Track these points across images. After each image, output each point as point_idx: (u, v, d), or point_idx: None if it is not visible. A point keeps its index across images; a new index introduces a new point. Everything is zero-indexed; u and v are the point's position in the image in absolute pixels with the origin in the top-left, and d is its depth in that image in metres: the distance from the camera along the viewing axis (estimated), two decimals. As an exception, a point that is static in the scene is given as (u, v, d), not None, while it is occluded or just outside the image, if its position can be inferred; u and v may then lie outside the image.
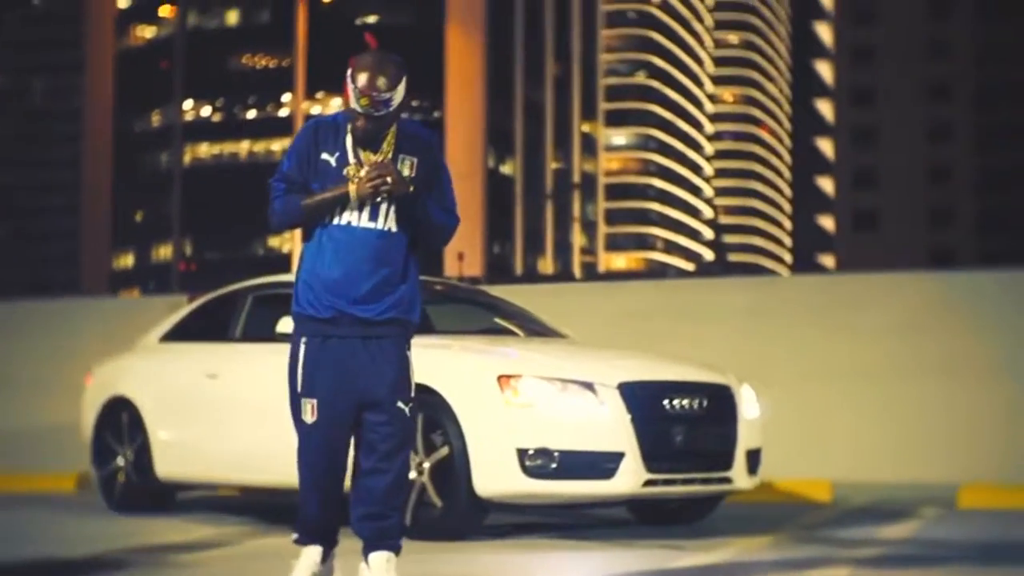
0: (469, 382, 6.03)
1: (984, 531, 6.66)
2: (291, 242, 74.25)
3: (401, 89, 4.04)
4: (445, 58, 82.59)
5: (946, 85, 75.82)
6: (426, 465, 6.13)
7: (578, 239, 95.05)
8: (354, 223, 4.11)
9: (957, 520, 7.20)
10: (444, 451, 6.04)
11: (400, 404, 4.16)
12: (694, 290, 9.80)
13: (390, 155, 4.12)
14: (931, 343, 8.52)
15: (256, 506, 8.05)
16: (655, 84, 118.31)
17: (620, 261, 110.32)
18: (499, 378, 5.96)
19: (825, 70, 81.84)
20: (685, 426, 6.10)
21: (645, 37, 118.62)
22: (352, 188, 4.06)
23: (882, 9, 76.70)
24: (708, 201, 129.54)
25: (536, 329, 7.41)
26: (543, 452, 5.85)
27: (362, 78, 3.99)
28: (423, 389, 6.05)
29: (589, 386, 5.95)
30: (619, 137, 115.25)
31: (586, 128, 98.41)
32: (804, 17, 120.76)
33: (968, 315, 8.51)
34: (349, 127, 4.12)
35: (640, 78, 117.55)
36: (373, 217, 4.11)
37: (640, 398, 5.97)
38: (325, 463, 4.18)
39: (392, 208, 4.14)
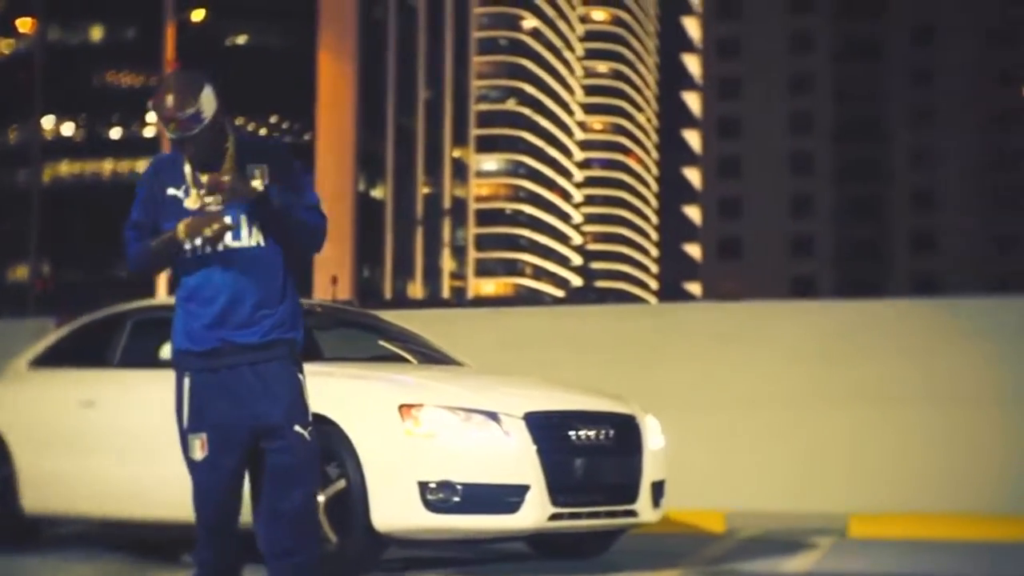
0: (368, 412, 5.77)
1: (884, 562, 6.62)
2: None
3: (206, 100, 3.83)
4: (316, 81, 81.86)
5: (808, 118, 77.73)
6: (320, 499, 5.84)
7: (448, 264, 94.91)
8: (220, 246, 3.94)
9: (853, 550, 7.16)
10: (340, 484, 5.76)
11: (298, 428, 3.94)
12: (580, 317, 9.66)
13: (231, 171, 3.93)
14: (824, 372, 8.51)
15: (134, 542, 7.64)
16: (526, 111, 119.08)
17: (489, 287, 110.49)
18: (400, 407, 5.71)
19: (693, 101, 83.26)
20: (591, 457, 5.92)
21: (516, 64, 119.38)
22: (180, 227, 3.91)
23: (748, 44, 78.35)
24: (577, 228, 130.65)
25: (429, 355, 7.18)
26: (445, 485, 5.61)
27: (162, 104, 3.84)
28: (319, 419, 5.76)
29: (494, 416, 5.73)
30: (490, 163, 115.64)
31: (457, 154, 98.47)
32: (673, 49, 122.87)
33: (863, 344, 8.52)
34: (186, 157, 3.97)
35: (511, 105, 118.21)
36: (237, 236, 3.94)
37: (546, 428, 5.78)
38: (219, 502, 3.95)
39: (255, 223, 3.95)
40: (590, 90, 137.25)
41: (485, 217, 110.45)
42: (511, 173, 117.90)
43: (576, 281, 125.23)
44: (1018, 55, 75.92)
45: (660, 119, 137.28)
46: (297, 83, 77.90)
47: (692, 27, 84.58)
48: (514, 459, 5.69)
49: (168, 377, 6.52)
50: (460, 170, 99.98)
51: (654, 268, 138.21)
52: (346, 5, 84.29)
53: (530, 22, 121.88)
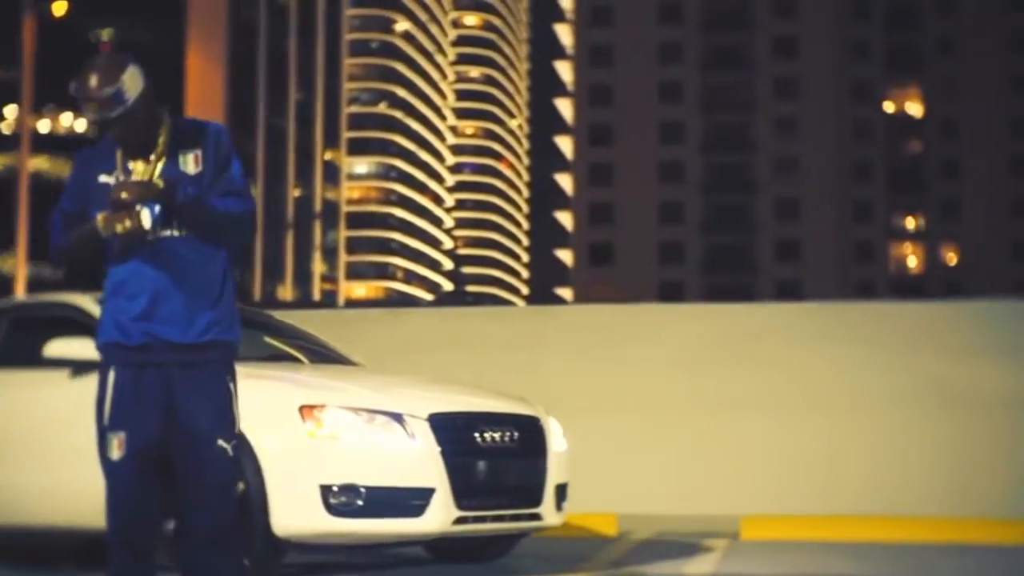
0: (267, 413, 5.58)
1: (784, 564, 6.65)
2: (11, 261, 70.49)
3: (130, 80, 3.65)
4: (185, 81, 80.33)
5: (677, 127, 78.87)
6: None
7: (319, 267, 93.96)
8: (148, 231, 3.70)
9: (750, 552, 7.19)
10: (239, 487, 5.57)
11: (221, 443, 3.73)
12: (469, 318, 9.57)
13: (163, 157, 3.75)
14: (709, 377, 8.55)
15: (16, 550, 7.30)
16: (398, 114, 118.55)
17: (361, 290, 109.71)
18: (301, 408, 5.55)
19: (565, 107, 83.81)
20: (495, 460, 5.83)
21: (388, 67, 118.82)
22: (99, 219, 3.68)
23: (620, 52, 79.18)
24: (448, 232, 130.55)
25: (324, 355, 7.01)
26: (349, 488, 5.46)
27: (82, 85, 3.65)
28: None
29: (398, 417, 5.60)
30: (361, 166, 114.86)
31: (329, 156, 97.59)
32: (545, 55, 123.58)
33: (747, 348, 8.58)
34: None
35: (383, 108, 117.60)
36: (167, 223, 3.71)
37: (450, 430, 5.67)
38: (134, 507, 3.72)
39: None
40: (462, 95, 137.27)
41: (356, 220, 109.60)
42: (383, 176, 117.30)
43: (447, 285, 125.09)
44: (874, 69, 78.10)
45: (532, 125, 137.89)
46: (165, 82, 76.37)
47: (564, 34, 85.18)
48: (419, 461, 5.57)
49: (49, 379, 6.35)
50: (331, 173, 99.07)
51: (525, 273, 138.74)
52: (216, 5, 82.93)
53: (402, 25, 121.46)
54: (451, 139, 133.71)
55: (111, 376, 3.78)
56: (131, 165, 3.75)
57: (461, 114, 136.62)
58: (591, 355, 8.72)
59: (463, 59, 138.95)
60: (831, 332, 8.54)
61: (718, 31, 79.03)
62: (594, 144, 79.53)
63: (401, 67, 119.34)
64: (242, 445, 5.49)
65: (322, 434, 5.51)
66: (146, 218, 3.65)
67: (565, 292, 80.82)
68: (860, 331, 8.48)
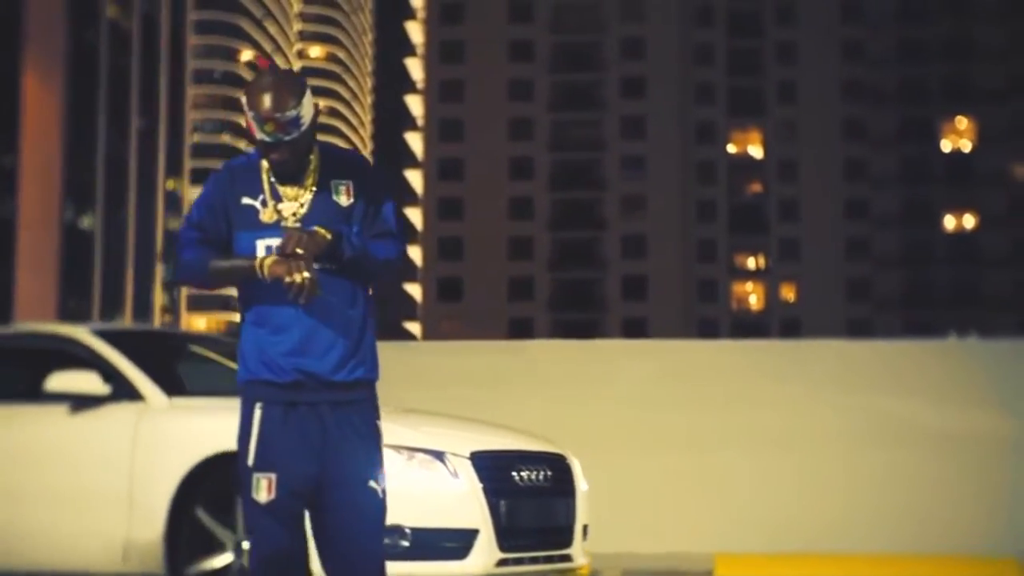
0: (306, 452, 5.38)
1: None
2: None
3: (308, 104, 3.51)
4: (21, 104, 77.84)
5: (527, 163, 79.64)
6: (247, 545, 5.41)
7: (159, 298, 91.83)
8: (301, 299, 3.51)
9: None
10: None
11: (372, 484, 3.56)
12: (433, 354, 9.44)
13: (313, 189, 3.57)
14: (673, 414, 8.58)
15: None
16: (241, 144, 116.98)
17: (201, 322, 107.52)
18: (340, 447, 5.36)
19: (415, 141, 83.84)
20: (532, 500, 5.73)
21: (232, 97, 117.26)
22: (265, 266, 3.48)
23: (471, 87, 79.66)
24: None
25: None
26: (394, 530, 5.28)
27: (262, 102, 3.46)
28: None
29: (440, 456, 5.47)
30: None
31: (171, 185, 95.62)
32: (390, 89, 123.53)
33: (707, 385, 8.64)
34: (265, 163, 3.57)
35: (226, 138, 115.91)
36: (319, 257, 3.51)
37: (491, 470, 5.55)
38: (282, 551, 3.52)
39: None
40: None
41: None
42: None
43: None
44: (717, 112, 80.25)
45: (376, 157, 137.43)
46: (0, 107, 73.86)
47: (415, 68, 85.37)
48: (463, 502, 5.44)
49: (46, 413, 6.02)
50: (173, 202, 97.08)
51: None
52: (54, 27, 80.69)
53: (247, 55, 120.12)
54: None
55: (257, 414, 3.56)
56: (281, 190, 3.57)
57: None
58: (557, 392, 8.67)
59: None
60: (785, 370, 8.66)
61: (567, 70, 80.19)
62: (443, 178, 79.73)
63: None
64: (278, 486, 5.33)
65: (364, 474, 5.32)
66: (316, 281, 3.44)
67: (413, 327, 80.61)
68: (813, 369, 8.62)
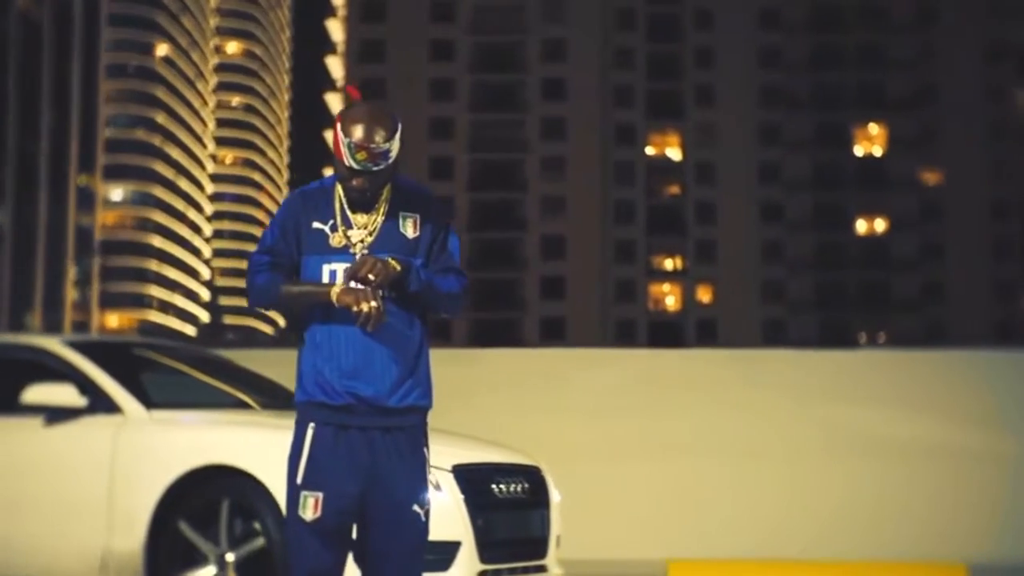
0: (293, 466, 5.42)
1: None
2: None
3: (398, 140, 3.63)
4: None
5: (447, 164, 79.64)
6: (230, 558, 5.46)
7: (70, 294, 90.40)
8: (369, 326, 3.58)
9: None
10: (259, 542, 5.41)
11: (416, 508, 3.64)
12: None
13: (382, 218, 3.65)
14: (630, 423, 8.73)
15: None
16: (156, 140, 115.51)
17: (114, 320, 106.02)
18: (328, 461, 5.41)
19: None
20: (511, 512, 5.83)
21: (147, 92, 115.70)
22: (334, 293, 3.56)
23: (392, 87, 79.50)
24: (207, 262, 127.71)
25: (283, 399, 6.81)
26: (378, 543, 5.35)
27: (358, 131, 3.56)
28: (231, 472, 5.46)
29: (420, 469, 5.53)
30: (118, 192, 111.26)
31: (83, 181, 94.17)
32: (310, 88, 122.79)
33: (665, 393, 8.81)
34: (339, 189, 3.66)
35: (140, 133, 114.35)
36: (386, 286, 3.60)
37: (472, 482, 5.64)
38: (323, 570, 3.60)
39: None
40: (222, 123, 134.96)
41: (112, 248, 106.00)
42: (140, 203, 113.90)
43: (204, 317, 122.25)
44: (636, 115, 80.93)
45: (293, 156, 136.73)
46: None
47: (335, 66, 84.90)
48: (446, 514, 5.51)
49: (19, 426, 5.99)
50: (86, 198, 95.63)
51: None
52: (-37, 17, 79.15)
53: (162, 49, 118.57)
54: (211, 167, 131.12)
55: (309, 434, 3.63)
56: (352, 217, 3.64)
57: (221, 142, 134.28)
58: (516, 400, 8.77)
59: (224, 87, 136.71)
60: (745, 379, 8.85)
61: (488, 71, 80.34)
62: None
63: (160, 92, 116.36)
64: (263, 498, 5.40)
65: (349, 487, 5.39)
66: (383, 309, 3.52)
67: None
68: (773, 378, 8.82)
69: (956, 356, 8.85)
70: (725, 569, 8.32)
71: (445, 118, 79.83)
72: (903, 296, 78.47)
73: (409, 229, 3.66)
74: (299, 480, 3.62)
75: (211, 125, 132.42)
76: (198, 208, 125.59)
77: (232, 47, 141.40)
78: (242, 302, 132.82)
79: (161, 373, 6.74)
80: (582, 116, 79.30)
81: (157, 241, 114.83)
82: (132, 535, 5.59)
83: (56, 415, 5.87)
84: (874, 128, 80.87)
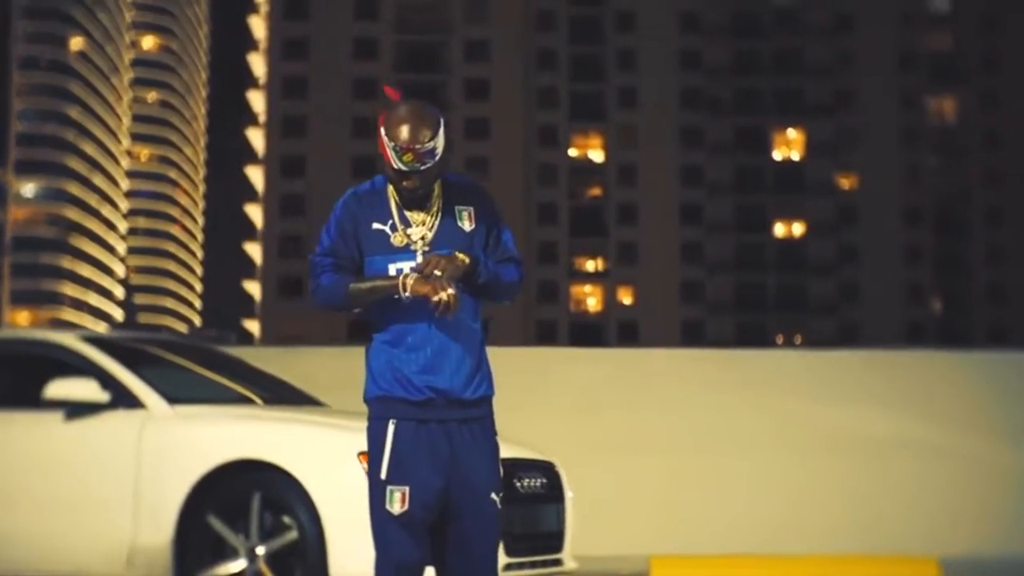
0: (325, 460, 5.52)
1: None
2: None
3: (442, 136, 3.69)
4: None
5: (370, 161, 79.41)
6: (261, 551, 5.52)
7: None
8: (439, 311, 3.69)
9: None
10: (291, 535, 5.47)
11: (493, 496, 3.77)
12: (355, 358, 9.54)
13: (438, 215, 3.75)
14: (612, 420, 8.89)
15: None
16: (69, 135, 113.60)
17: (24, 317, 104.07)
18: (360, 455, 5.50)
19: (256, 138, 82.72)
20: (531, 506, 5.95)
21: (60, 86, 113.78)
22: (406, 285, 3.65)
23: (315, 83, 79.08)
24: (122, 260, 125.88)
25: (285, 395, 6.88)
26: (413, 535, 5.45)
27: (401, 132, 3.62)
28: (262, 466, 5.52)
29: (448, 462, 5.64)
30: (29, 187, 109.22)
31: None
32: (226, 83, 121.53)
33: (647, 391, 8.98)
34: (391, 190, 3.75)
35: (53, 128, 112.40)
36: (455, 280, 3.70)
37: (498, 477, 5.74)
38: (410, 562, 3.69)
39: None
40: (138, 119, 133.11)
41: (23, 244, 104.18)
42: (52, 199, 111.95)
43: (118, 315, 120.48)
44: (559, 116, 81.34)
45: (211, 154, 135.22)
46: None
47: (257, 64, 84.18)
48: (475, 508, 5.61)
49: (40, 420, 5.98)
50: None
51: (199, 304, 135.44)
52: None
53: (77, 42, 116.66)
54: (126, 164, 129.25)
55: (390, 430, 3.71)
56: (408, 215, 3.72)
57: (137, 138, 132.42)
58: (497, 397, 8.87)
59: (140, 82, 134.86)
60: (723, 378, 9.06)
61: (411, 70, 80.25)
62: (286, 176, 78.94)
63: (74, 86, 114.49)
64: (295, 491, 5.47)
65: (381, 481, 5.48)
66: (454, 292, 3.61)
67: (252, 325, 79.55)
68: (750, 377, 9.03)
69: (932, 357, 9.14)
70: (707, 564, 8.51)
71: (368, 116, 79.55)
72: (819, 298, 79.77)
73: (466, 223, 3.75)
74: (383, 475, 3.69)
75: (127, 121, 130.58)
76: (113, 204, 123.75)
77: (148, 42, 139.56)
78: (158, 300, 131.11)
79: (164, 368, 6.76)
80: (505, 117, 79.52)
81: (71, 238, 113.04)
82: (159, 529, 5.62)
83: (76, 410, 5.88)
84: (792, 133, 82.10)
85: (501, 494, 3.80)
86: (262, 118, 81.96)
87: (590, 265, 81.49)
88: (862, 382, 8.85)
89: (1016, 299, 79.52)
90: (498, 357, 9.57)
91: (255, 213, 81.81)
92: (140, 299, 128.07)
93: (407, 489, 3.66)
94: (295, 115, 79.31)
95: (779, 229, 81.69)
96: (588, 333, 76.90)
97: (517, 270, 3.83)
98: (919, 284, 79.60)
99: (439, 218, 3.73)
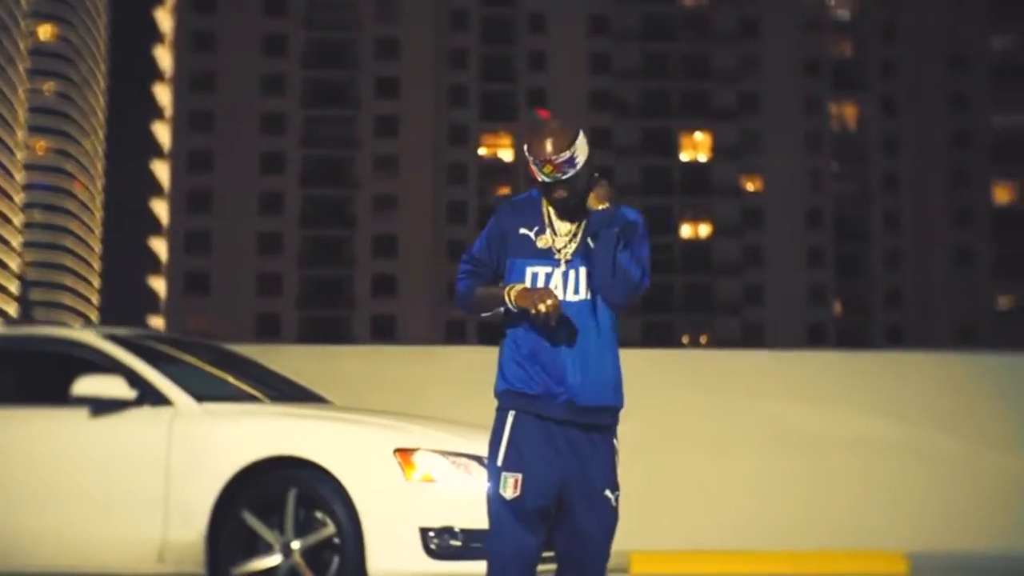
0: (362, 457, 5.60)
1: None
2: None
3: (581, 146, 3.88)
4: None
5: (278, 158, 78.72)
6: (296, 545, 5.59)
7: None
8: (560, 297, 3.85)
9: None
10: (328, 530, 5.55)
11: (608, 493, 3.91)
12: (343, 358, 9.59)
13: (582, 231, 3.89)
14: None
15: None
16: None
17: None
18: (396, 452, 5.60)
19: (162, 132, 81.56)
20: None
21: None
22: (512, 294, 3.82)
23: (223, 77, 78.23)
24: (18, 254, 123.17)
25: (290, 392, 6.92)
26: (446, 531, 5.58)
27: (539, 148, 3.84)
28: (300, 463, 5.60)
29: (479, 459, 5.76)
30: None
31: None
32: (140, 79, 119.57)
33: (642, 390, 9.15)
34: (545, 200, 3.94)
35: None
36: (577, 290, 3.87)
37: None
38: (520, 548, 3.81)
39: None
40: (35, 110, 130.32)
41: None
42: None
43: (11, 311, 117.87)
44: (470, 115, 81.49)
45: (110, 147, 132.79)
46: None
47: (164, 57, 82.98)
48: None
49: (66, 417, 5.96)
50: None
51: (95, 299, 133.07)
52: None
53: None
54: (22, 156, 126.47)
55: (509, 420, 3.84)
56: (557, 224, 3.89)
57: (34, 130, 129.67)
58: (472, 398, 8.97)
59: (36, 72, 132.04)
60: (695, 377, 9.28)
61: (321, 66, 79.76)
62: (192, 171, 77.98)
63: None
64: (332, 488, 5.55)
65: (417, 477, 5.59)
66: (557, 309, 3.74)
67: (157, 321, 78.40)
68: (720, 377, 9.27)
69: (902, 358, 9.44)
70: (685, 559, 8.72)
71: (277, 113, 78.91)
72: (725, 299, 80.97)
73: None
74: (499, 462, 3.84)
75: (22, 112, 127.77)
76: (8, 197, 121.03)
77: (45, 31, 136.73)
78: (55, 295, 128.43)
79: (174, 365, 6.77)
80: (415, 115, 79.41)
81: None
82: (191, 526, 5.66)
83: (102, 407, 5.88)
84: (699, 135, 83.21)
85: (617, 493, 3.92)
86: (168, 112, 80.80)
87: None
88: (832, 382, 9.13)
89: (912, 302, 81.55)
90: (468, 356, 9.66)
91: (160, 208, 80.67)
92: (36, 295, 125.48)
93: (520, 476, 3.79)
94: (202, 110, 78.37)
95: (686, 230, 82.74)
96: (495, 333, 77.02)
97: (640, 270, 3.88)
98: (821, 286, 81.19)
99: (582, 235, 3.89)
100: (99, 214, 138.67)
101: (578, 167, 3.83)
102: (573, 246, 3.87)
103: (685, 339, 79.61)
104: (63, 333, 6.29)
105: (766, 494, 8.95)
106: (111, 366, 6.02)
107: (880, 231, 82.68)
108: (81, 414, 5.91)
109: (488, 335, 77.00)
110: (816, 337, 79.55)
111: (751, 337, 78.34)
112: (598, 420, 3.88)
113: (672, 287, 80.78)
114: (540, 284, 3.85)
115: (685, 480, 9.04)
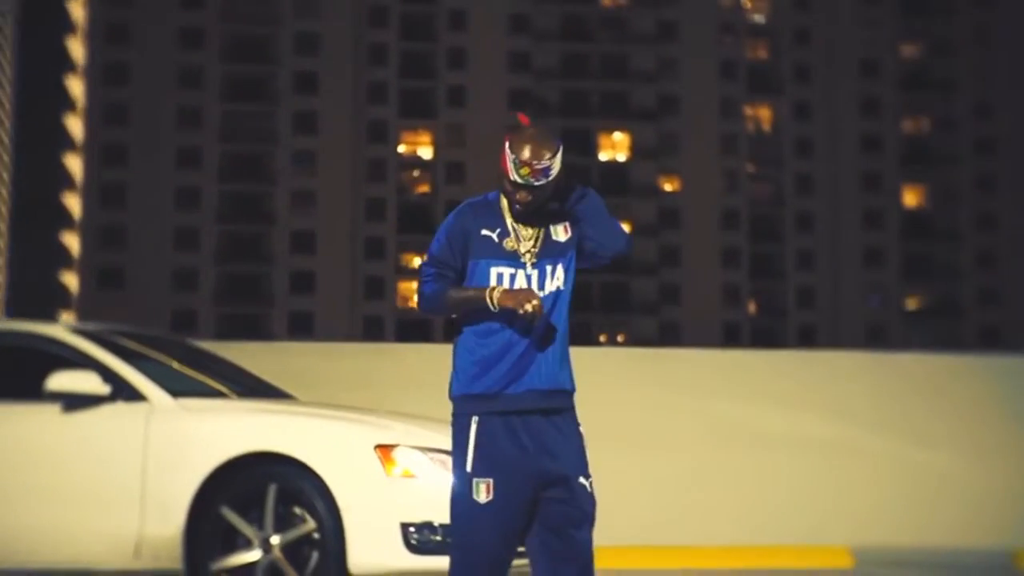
0: (343, 453, 5.63)
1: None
2: None
3: (558, 160, 3.97)
4: None
5: (195, 153, 77.91)
6: (276, 540, 5.61)
7: None
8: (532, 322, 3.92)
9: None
10: (309, 526, 5.57)
11: (582, 480, 3.96)
12: (303, 355, 9.60)
13: (542, 232, 4.01)
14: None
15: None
16: None
17: None
18: (376, 448, 5.64)
19: (74, 125, 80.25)
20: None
21: None
22: (494, 296, 3.90)
23: (138, 71, 77.20)
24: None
25: (255, 388, 6.92)
26: (427, 526, 5.63)
27: (524, 150, 3.92)
28: (280, 459, 5.62)
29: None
30: None
31: None
32: (42, 69, 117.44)
33: (597, 387, 9.27)
34: (504, 203, 4.02)
35: None
36: (542, 284, 3.97)
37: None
38: (492, 549, 3.85)
39: (557, 267, 4.00)
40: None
41: None
42: None
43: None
44: (389, 112, 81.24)
45: (18, 139, 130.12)
46: None
47: (76, 49, 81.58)
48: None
49: (37, 413, 5.90)
50: None
51: (1, 294, 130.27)
52: None
53: None
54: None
55: (473, 427, 3.88)
56: (517, 227, 3.97)
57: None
58: (428, 394, 9.02)
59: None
60: (639, 376, 9.42)
61: (239, 61, 79.04)
62: (107, 165, 76.86)
63: None
64: (312, 483, 5.58)
65: (397, 473, 5.63)
66: (541, 299, 3.86)
67: (68, 316, 77.10)
68: (667, 375, 9.42)
69: (851, 358, 9.67)
70: (636, 555, 8.86)
71: (194, 107, 78.06)
72: (642, 298, 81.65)
73: (561, 234, 4.03)
74: (468, 469, 3.88)
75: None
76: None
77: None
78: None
79: (143, 361, 6.73)
80: (334, 111, 79.03)
81: None
82: (168, 521, 5.64)
83: (75, 403, 5.85)
84: (618, 136, 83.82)
85: (591, 479, 3.99)
86: (80, 104, 79.51)
87: (417, 261, 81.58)
88: (783, 382, 9.32)
89: (823, 302, 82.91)
90: (430, 354, 9.71)
91: (72, 202, 79.37)
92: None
93: (491, 480, 3.85)
94: (117, 103, 77.27)
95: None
96: (414, 329, 77.01)
97: (622, 232, 4.07)
98: (735, 286, 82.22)
99: (542, 234, 4.00)
100: (4, 208, 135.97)
101: (551, 178, 3.93)
102: (535, 248, 3.97)
103: (602, 338, 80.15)
104: (31, 328, 6.23)
105: (713, 490, 9.12)
106: (83, 361, 5.98)
107: (793, 232, 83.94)
108: (53, 410, 5.87)
109: (405, 332, 76.92)
110: (731, 337, 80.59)
111: (667, 336, 79.11)
112: (557, 403, 3.95)
113: (590, 286, 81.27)
114: (505, 284, 3.93)
115: (633, 476, 9.17)
